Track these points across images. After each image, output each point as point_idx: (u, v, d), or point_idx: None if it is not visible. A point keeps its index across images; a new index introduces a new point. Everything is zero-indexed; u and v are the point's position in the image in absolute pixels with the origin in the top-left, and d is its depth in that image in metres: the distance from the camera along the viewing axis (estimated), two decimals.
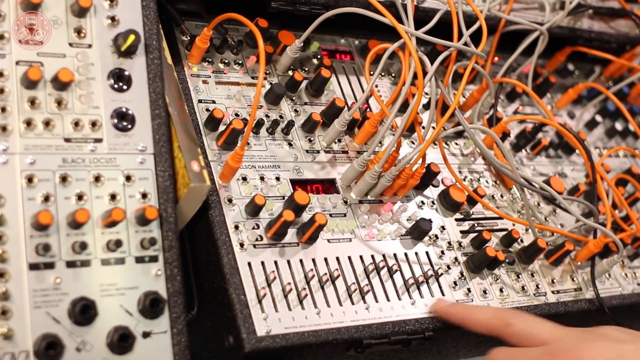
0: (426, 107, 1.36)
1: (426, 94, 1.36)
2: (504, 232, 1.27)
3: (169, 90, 1.06)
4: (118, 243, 0.95)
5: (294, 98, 1.24)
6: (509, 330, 1.04)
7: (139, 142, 1.00)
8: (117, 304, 0.94)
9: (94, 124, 0.98)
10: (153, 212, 0.96)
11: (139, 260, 0.97)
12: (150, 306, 0.95)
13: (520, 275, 1.25)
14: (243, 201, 1.09)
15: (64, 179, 0.95)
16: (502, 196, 1.33)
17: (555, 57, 1.57)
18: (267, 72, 1.24)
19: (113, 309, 0.94)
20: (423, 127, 1.30)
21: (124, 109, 1.00)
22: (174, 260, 0.99)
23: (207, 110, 1.14)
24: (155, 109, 1.02)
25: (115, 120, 0.99)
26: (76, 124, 0.97)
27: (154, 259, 0.98)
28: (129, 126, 1.00)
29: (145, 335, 0.95)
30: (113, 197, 0.97)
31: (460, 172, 1.33)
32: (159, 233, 0.98)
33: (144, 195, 0.99)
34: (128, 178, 0.99)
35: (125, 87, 1.01)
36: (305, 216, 1.11)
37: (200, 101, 1.15)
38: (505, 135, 1.38)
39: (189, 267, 1.08)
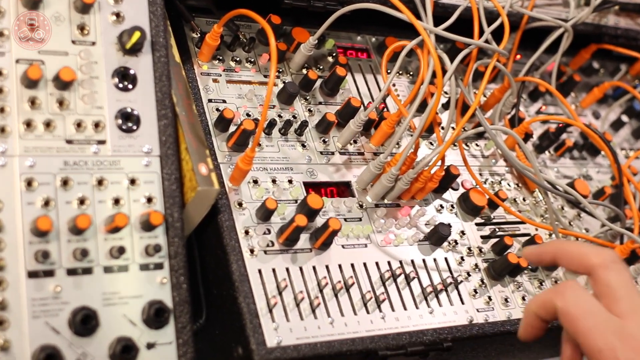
0: (445, 107, 1.34)
1: (445, 93, 1.35)
2: (527, 237, 1.26)
3: (177, 90, 1.04)
4: (121, 250, 0.93)
5: (307, 97, 1.22)
6: (602, 270, 0.90)
7: (145, 144, 0.98)
8: (120, 313, 0.93)
9: (97, 124, 0.96)
10: (158, 218, 0.94)
11: (144, 267, 0.95)
12: (155, 316, 0.93)
13: (543, 283, 1.22)
14: (254, 205, 1.08)
15: (65, 182, 0.93)
16: (524, 200, 1.32)
17: (580, 55, 1.56)
18: (280, 70, 1.23)
19: (116, 318, 0.92)
20: (442, 128, 1.28)
21: (129, 109, 0.98)
22: (180, 267, 0.97)
23: (217, 110, 1.13)
24: (162, 109, 1.00)
25: (120, 121, 0.97)
26: (78, 125, 0.95)
27: (159, 266, 0.96)
28: (134, 127, 0.98)
29: (150, 346, 0.93)
30: (116, 201, 0.95)
31: (480, 174, 1.31)
32: (164, 239, 0.97)
33: (149, 200, 0.97)
34: (132, 181, 0.97)
35: (130, 86, 0.99)
36: (319, 221, 1.09)
37: (210, 101, 1.14)
38: (527, 136, 1.37)
39: (197, 274, 1.06)
